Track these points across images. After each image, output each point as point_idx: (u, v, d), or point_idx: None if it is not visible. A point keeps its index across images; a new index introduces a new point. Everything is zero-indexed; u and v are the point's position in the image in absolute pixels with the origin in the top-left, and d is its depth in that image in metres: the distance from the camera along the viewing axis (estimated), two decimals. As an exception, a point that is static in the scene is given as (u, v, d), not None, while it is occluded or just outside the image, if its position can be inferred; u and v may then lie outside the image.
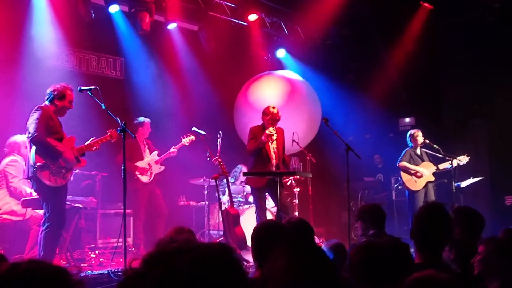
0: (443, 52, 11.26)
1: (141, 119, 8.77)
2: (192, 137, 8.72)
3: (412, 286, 2.23)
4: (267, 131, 7.57)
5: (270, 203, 8.52)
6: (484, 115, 10.95)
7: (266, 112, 7.84)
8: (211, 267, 1.32)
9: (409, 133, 9.51)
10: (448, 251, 3.81)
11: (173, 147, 8.74)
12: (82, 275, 5.95)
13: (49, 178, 5.91)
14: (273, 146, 7.79)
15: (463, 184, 9.31)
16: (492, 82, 10.59)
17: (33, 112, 5.95)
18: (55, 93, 6.08)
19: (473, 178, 9.50)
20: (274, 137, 7.71)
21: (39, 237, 6.00)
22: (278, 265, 2.03)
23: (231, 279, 1.35)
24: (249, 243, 7.93)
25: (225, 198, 9.01)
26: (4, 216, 6.96)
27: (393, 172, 10.43)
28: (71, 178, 7.76)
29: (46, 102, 6.09)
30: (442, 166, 9.21)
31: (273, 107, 7.87)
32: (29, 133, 5.87)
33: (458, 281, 2.31)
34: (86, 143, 6.39)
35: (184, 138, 8.74)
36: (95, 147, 6.42)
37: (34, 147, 5.93)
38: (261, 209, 7.86)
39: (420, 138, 9.27)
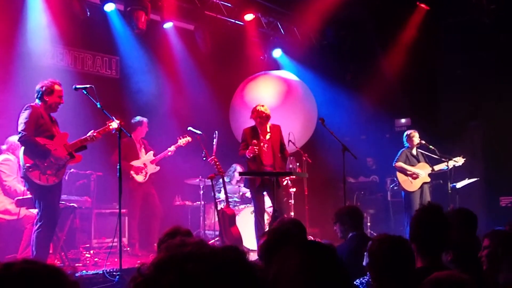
0: (439, 53, 11.27)
1: (139, 118, 8.73)
2: (188, 138, 8.67)
3: (433, 286, 2.21)
4: (250, 147, 7.51)
5: (266, 203, 8.50)
6: (480, 116, 10.96)
7: (252, 111, 7.79)
8: (227, 274, 1.27)
9: (405, 133, 9.52)
10: (445, 254, 3.79)
11: (169, 148, 8.69)
12: (77, 275, 5.92)
13: (40, 177, 5.85)
14: (265, 146, 7.74)
15: (459, 185, 9.32)
16: (488, 84, 10.59)
17: (23, 111, 5.91)
18: (43, 89, 6.00)
19: (468, 179, 9.52)
20: (268, 136, 7.68)
21: (32, 237, 5.96)
22: (289, 264, 2.00)
23: (246, 285, 1.30)
24: (245, 243, 7.95)
25: (221, 198, 8.99)
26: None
27: (389, 172, 10.43)
28: (66, 177, 7.76)
29: (36, 101, 6.03)
30: (437, 167, 9.22)
31: (261, 105, 7.80)
32: (18, 132, 5.85)
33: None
34: (81, 138, 6.28)
35: (180, 139, 8.69)
36: (90, 139, 6.27)
37: (22, 148, 5.89)
38: (258, 211, 7.77)
39: (416, 139, 9.28)
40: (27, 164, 5.80)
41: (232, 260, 1.31)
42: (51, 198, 5.97)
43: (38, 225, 5.90)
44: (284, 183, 9.37)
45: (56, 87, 6.06)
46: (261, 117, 7.69)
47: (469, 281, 2.18)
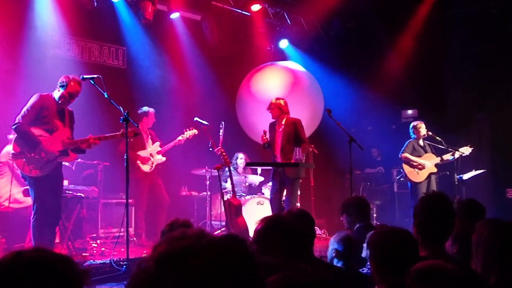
0: (447, 44, 11.21)
1: (146, 108, 8.72)
2: (195, 131, 8.65)
3: (417, 276, 2.21)
4: (261, 135, 7.93)
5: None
6: (487, 108, 10.91)
7: None
8: (228, 267, 1.26)
9: (412, 124, 9.46)
10: (451, 245, 3.78)
11: (175, 140, 8.68)
12: (85, 264, 5.94)
13: (23, 167, 5.83)
14: (277, 139, 7.97)
15: (466, 176, 9.29)
16: (496, 75, 10.54)
17: (30, 99, 5.96)
18: (61, 81, 6.04)
19: (475, 170, 9.48)
20: (281, 129, 7.92)
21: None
22: None
23: (249, 276, 1.30)
24: (251, 233, 7.96)
25: (227, 188, 9.00)
26: (6, 204, 6.96)
27: (395, 164, 10.41)
28: (73, 167, 7.80)
29: (55, 91, 6.08)
30: (446, 156, 9.16)
31: (276, 98, 8.11)
32: (15, 119, 5.87)
33: (464, 272, 2.28)
34: (81, 138, 6.18)
35: (186, 131, 8.69)
36: (91, 144, 6.15)
37: (15, 135, 5.92)
38: (271, 199, 8.09)
39: (423, 130, 9.22)
40: (13, 152, 5.84)
41: (232, 250, 1.30)
42: (41, 188, 5.93)
43: (32, 215, 5.91)
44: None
45: (71, 83, 6.03)
46: (270, 108, 7.98)
47: (452, 270, 2.17)
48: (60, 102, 6.07)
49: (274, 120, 8.09)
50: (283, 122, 7.96)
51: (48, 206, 5.98)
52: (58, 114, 6.11)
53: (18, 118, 5.85)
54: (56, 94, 6.06)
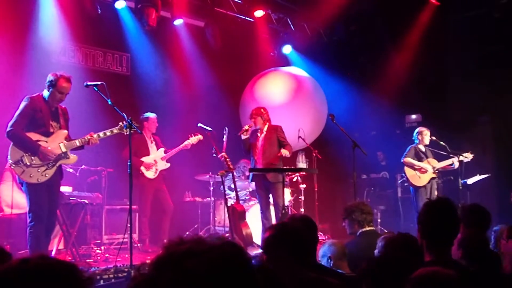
0: (450, 48, 11.20)
1: (147, 114, 8.75)
2: (200, 137, 8.65)
3: (417, 283, 2.21)
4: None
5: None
6: (491, 112, 10.89)
7: None
8: (224, 270, 1.28)
9: (417, 130, 9.40)
10: (456, 250, 3.77)
11: (180, 145, 8.68)
12: (90, 271, 5.94)
13: (22, 173, 5.69)
14: (259, 144, 8.16)
15: (470, 181, 9.27)
16: (499, 79, 10.52)
17: (21, 103, 5.78)
18: (49, 79, 5.86)
19: (479, 175, 9.46)
20: (262, 136, 8.16)
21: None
22: None
23: (244, 281, 1.31)
24: (255, 239, 7.97)
25: (231, 195, 9.00)
26: (7, 209, 6.96)
27: (399, 169, 10.39)
28: (77, 174, 7.81)
29: (44, 90, 5.91)
30: (446, 162, 9.13)
31: (255, 108, 8.46)
32: (8, 125, 5.70)
33: (469, 278, 2.28)
34: (79, 138, 6.05)
35: (191, 137, 8.69)
36: (89, 140, 6.03)
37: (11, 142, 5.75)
38: (261, 209, 8.23)
39: (427, 138, 9.19)
40: (11, 161, 5.70)
41: (229, 255, 1.31)
42: (39, 194, 5.78)
43: (28, 224, 5.77)
44: (294, 179, 9.44)
45: (61, 82, 5.86)
46: (252, 117, 8.25)
47: (453, 277, 2.17)
48: (51, 101, 5.91)
49: (256, 128, 8.26)
50: (265, 129, 8.17)
51: (43, 216, 5.81)
52: (52, 114, 5.95)
53: (11, 125, 5.68)
54: (46, 93, 5.89)
